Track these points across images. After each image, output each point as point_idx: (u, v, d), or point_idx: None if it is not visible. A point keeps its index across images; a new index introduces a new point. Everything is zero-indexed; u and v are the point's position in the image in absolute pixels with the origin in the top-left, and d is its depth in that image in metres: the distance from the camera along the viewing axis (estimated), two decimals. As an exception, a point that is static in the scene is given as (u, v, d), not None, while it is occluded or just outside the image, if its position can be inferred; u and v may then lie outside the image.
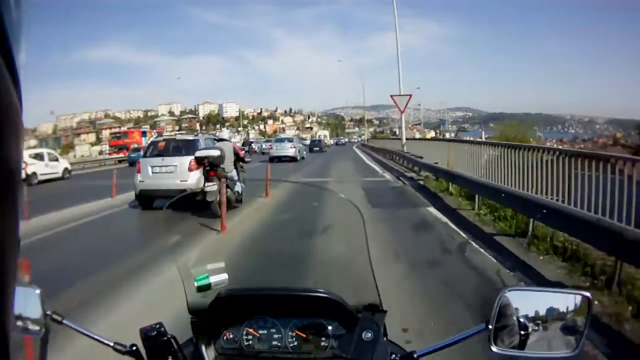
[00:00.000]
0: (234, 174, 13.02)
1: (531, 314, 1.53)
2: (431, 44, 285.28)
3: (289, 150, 39.03)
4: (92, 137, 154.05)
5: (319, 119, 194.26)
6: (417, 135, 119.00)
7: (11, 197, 0.47)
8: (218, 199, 11.28)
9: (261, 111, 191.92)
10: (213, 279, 1.95)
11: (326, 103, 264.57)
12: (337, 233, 3.94)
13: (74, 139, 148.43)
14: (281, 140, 44.28)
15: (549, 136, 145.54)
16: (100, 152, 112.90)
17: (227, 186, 11.66)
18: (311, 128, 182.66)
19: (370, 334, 1.64)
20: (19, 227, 0.48)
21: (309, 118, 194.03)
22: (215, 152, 12.45)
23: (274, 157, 38.37)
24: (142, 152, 22.74)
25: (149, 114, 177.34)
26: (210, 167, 12.39)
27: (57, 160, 31.03)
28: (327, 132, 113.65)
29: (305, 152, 44.06)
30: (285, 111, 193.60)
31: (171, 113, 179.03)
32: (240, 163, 13.86)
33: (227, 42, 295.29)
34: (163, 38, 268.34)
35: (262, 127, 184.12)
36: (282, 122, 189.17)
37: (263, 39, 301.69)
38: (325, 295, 1.84)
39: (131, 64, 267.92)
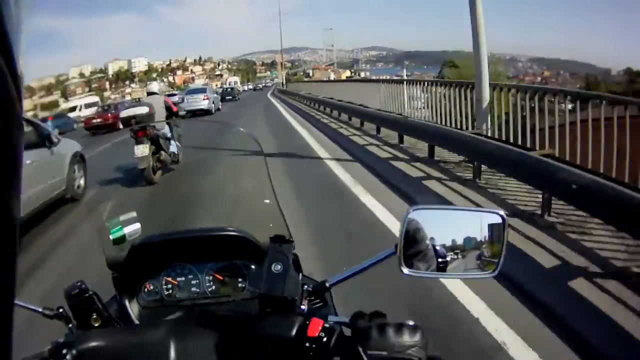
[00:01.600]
0: (166, 131, 11.70)
1: (445, 234, 1.49)
2: None
3: (202, 102, 36.88)
4: None
5: (229, 66, 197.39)
6: (332, 76, 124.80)
7: (12, 189, 0.49)
8: (151, 163, 10.60)
9: (170, 62, 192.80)
10: (127, 230, 1.94)
11: (237, 50, 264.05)
12: (240, 168, 3.98)
13: None
14: (193, 91, 41.99)
15: None
16: None
17: (161, 147, 11.10)
18: (221, 75, 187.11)
19: (279, 266, 1.55)
20: (19, 223, 0.50)
21: (219, 65, 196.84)
22: (144, 110, 11.58)
23: (187, 111, 33.90)
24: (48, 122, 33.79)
25: (61, 77, 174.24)
26: (139, 127, 10.93)
27: None
28: (237, 79, 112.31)
29: (220, 103, 42.35)
30: (195, 60, 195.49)
31: (82, 75, 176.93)
32: (174, 118, 12.79)
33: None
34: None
35: (171, 78, 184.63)
36: (192, 71, 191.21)
37: None
38: (235, 233, 1.90)
39: (44, 30, 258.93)
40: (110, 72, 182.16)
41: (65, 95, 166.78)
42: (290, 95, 48.01)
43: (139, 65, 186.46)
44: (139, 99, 37.36)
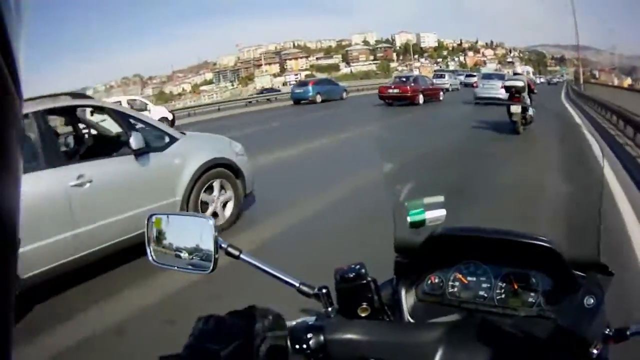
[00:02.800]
0: (528, 100, 17.57)
1: None
2: None
3: (499, 90, 28.07)
4: (275, 69, 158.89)
5: (520, 54, 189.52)
6: (615, 82, 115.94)
7: (12, 191, 0.49)
8: (519, 119, 16.76)
9: (461, 42, 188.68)
10: (429, 215, 1.82)
11: (526, 39, 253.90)
12: (567, 172, 3.72)
13: (254, 71, 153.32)
14: (489, 76, 35.94)
15: None
16: (284, 84, 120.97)
17: (525, 109, 16.94)
18: (512, 63, 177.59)
19: (592, 300, 1.43)
20: (19, 220, 0.50)
21: (510, 52, 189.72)
22: (520, 83, 17.82)
23: (481, 98, 31.30)
24: (308, 87, 42.48)
25: (343, 43, 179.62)
26: (515, 94, 17.51)
27: (145, 109, 29.00)
28: (530, 69, 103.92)
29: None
30: (486, 43, 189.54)
31: (365, 42, 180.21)
32: (531, 94, 18.35)
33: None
34: None
35: (462, 59, 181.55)
36: (483, 54, 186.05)
37: None
38: (548, 245, 1.65)
39: None
40: (398, 43, 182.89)
41: (347, 61, 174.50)
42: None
43: (428, 41, 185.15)
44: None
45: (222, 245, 1.61)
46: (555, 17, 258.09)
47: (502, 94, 28.52)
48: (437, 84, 42.71)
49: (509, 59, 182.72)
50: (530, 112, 17.56)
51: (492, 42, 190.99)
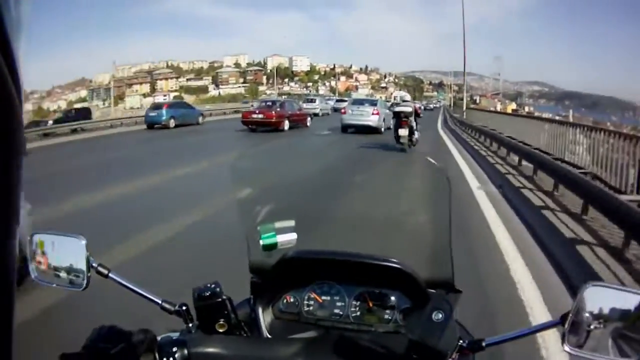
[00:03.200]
0: (414, 124, 21.05)
1: (604, 311, 1.48)
2: (511, 15, 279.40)
3: (370, 117, 30.10)
4: (146, 88, 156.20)
5: (396, 79, 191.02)
6: (499, 107, 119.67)
7: (12, 191, 0.51)
8: (406, 141, 20.41)
9: (334, 67, 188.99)
10: (280, 238, 1.94)
11: (404, 65, 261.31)
12: (417, 200, 3.93)
13: (126, 90, 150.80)
14: (359, 102, 33.79)
15: (623, 122, 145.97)
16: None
17: (412, 132, 20.74)
18: (386, 88, 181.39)
19: (440, 315, 1.54)
20: (19, 218, 0.52)
21: (385, 77, 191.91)
22: (408, 109, 20.93)
23: (348, 125, 30.60)
24: (162, 110, 37.57)
25: (215, 64, 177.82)
26: (404, 118, 20.59)
27: None
28: (407, 94, 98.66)
29: (392, 121, 25.47)
30: (360, 68, 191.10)
31: (237, 65, 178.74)
32: (417, 118, 21.94)
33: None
34: None
35: (333, 83, 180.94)
36: (356, 79, 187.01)
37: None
38: (398, 267, 1.85)
39: (204, 16, 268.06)
40: (269, 66, 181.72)
41: (217, 83, 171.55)
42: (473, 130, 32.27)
43: (301, 65, 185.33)
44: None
45: (93, 264, 1.71)
46: (435, 43, 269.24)
47: (374, 121, 30.18)
48: (306, 109, 42.49)
49: (383, 84, 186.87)
50: (416, 135, 21.62)
51: (366, 67, 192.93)
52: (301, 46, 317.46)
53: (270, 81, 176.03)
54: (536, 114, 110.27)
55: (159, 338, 1.54)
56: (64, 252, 1.72)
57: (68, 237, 1.77)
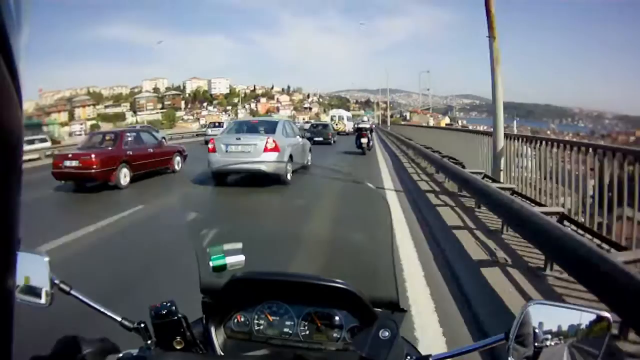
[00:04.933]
0: (370, 135, 31.59)
1: (548, 327, 1.56)
2: (441, 30, 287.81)
3: (260, 156, 16.39)
4: (64, 116, 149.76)
5: (320, 99, 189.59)
6: (431, 122, 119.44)
7: (12, 191, 0.50)
8: (366, 147, 30.59)
9: (255, 88, 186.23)
10: (229, 260, 1.97)
11: (330, 86, 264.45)
12: (360, 224, 3.59)
13: (45, 119, 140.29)
14: (246, 126, 19.15)
15: (563, 129, 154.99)
16: (70, 134, 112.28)
17: (369, 141, 31.32)
18: (310, 108, 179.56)
19: (387, 333, 1.60)
20: (19, 219, 0.52)
21: (308, 97, 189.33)
22: (367, 125, 32.07)
23: (222, 172, 14.12)
24: None
25: (136, 90, 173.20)
26: (363, 131, 31.43)
27: None
28: (344, 112, 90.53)
29: (309, 155, 20.96)
30: (282, 89, 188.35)
31: (156, 90, 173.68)
32: (371, 133, 32.12)
33: (227, 22, 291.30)
34: (164, 17, 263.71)
35: (253, 105, 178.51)
36: (278, 100, 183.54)
37: (266, 19, 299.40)
38: (344, 287, 1.89)
39: (125, 40, 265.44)
40: (188, 90, 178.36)
41: (134, 109, 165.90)
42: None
43: (220, 87, 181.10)
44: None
45: (55, 281, 1.75)
46: (361, 63, 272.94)
47: (269, 162, 16.14)
48: (211, 135, 37.36)
49: (307, 105, 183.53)
50: (372, 143, 32.27)
51: (288, 87, 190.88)
52: (222, 69, 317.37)
53: (189, 106, 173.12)
54: (470, 127, 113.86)
55: (120, 355, 1.62)
56: (26, 269, 1.71)
57: (31, 254, 1.75)
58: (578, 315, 1.59)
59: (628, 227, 8.01)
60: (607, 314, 1.52)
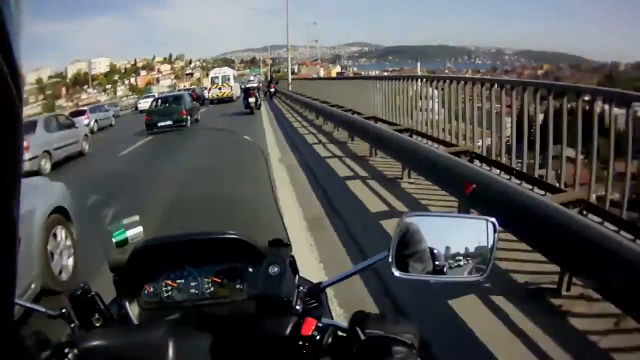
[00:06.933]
0: (257, 94, 34.41)
1: (438, 240, 1.62)
2: None
3: None
4: None
5: (203, 64, 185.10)
6: (322, 73, 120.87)
7: (13, 186, 0.51)
8: (254, 105, 33.76)
9: (135, 62, 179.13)
10: (129, 233, 2.06)
11: (214, 50, 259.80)
12: (242, 175, 4.06)
13: None
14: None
15: (461, 67, 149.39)
16: None
17: (256, 100, 34.13)
18: (192, 74, 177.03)
19: (276, 269, 1.68)
20: (19, 219, 0.52)
21: (190, 63, 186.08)
22: (254, 84, 36.71)
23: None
24: None
25: None
26: (251, 90, 34.36)
27: None
28: (226, 68, 74.89)
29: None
30: (164, 58, 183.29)
31: (39, 81, 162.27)
32: (258, 91, 35.51)
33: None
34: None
35: (133, 80, 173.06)
36: (159, 71, 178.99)
37: None
38: (235, 236, 2.07)
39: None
40: (70, 75, 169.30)
41: None
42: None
43: (100, 67, 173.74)
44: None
45: None
46: (243, 23, 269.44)
47: None
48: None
49: (189, 71, 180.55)
50: (259, 101, 34.77)
51: (170, 55, 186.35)
52: (107, 49, 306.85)
53: (70, 91, 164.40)
54: (362, 73, 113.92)
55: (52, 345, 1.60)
56: None
57: None
58: (462, 223, 1.76)
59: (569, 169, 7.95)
60: (492, 219, 1.61)
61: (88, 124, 35.10)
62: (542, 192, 7.55)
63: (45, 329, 1.73)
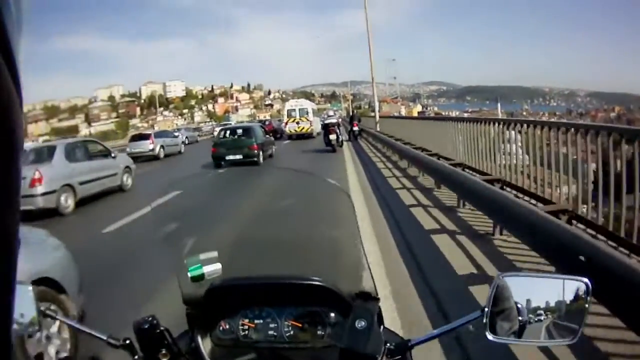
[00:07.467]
0: (338, 131, 31.25)
1: (528, 300, 1.57)
2: (403, 18, 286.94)
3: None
4: None
5: (283, 95, 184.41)
6: (403, 111, 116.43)
7: (12, 191, 0.50)
8: (336, 142, 30.61)
9: (212, 88, 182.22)
10: (206, 269, 2.00)
11: (293, 82, 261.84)
12: (327, 220, 3.52)
13: None
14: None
15: (536, 110, 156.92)
16: None
17: (337, 137, 30.86)
18: (271, 105, 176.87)
19: (363, 323, 1.65)
20: (19, 219, 0.52)
21: (269, 94, 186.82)
22: (334, 120, 32.52)
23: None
24: None
25: (92, 99, 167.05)
26: (331, 127, 30.94)
27: None
28: (304, 101, 64.16)
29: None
30: (242, 87, 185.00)
31: (111, 98, 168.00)
32: (339, 127, 31.94)
33: (182, 24, 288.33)
34: (119, 23, 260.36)
35: (211, 107, 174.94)
36: (237, 99, 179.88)
37: (223, 19, 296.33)
38: (320, 284, 1.98)
39: (77, 49, 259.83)
40: (144, 96, 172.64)
41: (89, 120, 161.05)
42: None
43: (175, 91, 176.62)
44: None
45: (41, 308, 1.84)
46: (323, 57, 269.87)
47: None
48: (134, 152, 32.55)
49: (268, 102, 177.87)
50: (341, 137, 31.50)
51: (248, 85, 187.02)
52: (179, 72, 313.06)
53: (144, 112, 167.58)
54: (443, 113, 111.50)
55: None
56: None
57: (18, 285, 1.39)
58: (554, 283, 1.63)
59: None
60: (585, 279, 1.56)
61: (153, 149, 36.01)
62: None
63: (106, 356, 2.05)
